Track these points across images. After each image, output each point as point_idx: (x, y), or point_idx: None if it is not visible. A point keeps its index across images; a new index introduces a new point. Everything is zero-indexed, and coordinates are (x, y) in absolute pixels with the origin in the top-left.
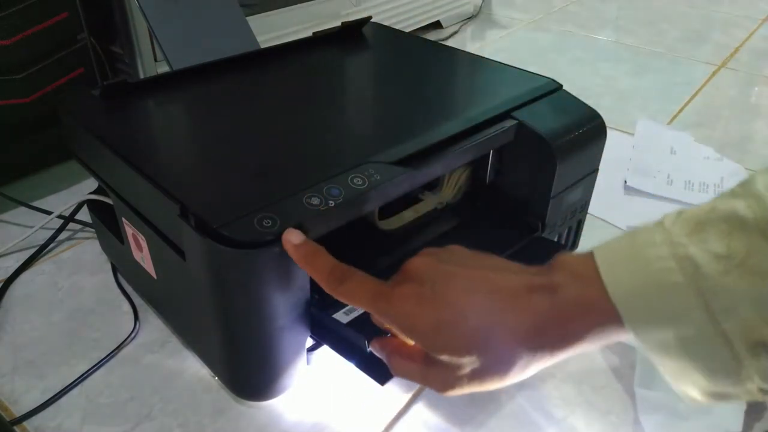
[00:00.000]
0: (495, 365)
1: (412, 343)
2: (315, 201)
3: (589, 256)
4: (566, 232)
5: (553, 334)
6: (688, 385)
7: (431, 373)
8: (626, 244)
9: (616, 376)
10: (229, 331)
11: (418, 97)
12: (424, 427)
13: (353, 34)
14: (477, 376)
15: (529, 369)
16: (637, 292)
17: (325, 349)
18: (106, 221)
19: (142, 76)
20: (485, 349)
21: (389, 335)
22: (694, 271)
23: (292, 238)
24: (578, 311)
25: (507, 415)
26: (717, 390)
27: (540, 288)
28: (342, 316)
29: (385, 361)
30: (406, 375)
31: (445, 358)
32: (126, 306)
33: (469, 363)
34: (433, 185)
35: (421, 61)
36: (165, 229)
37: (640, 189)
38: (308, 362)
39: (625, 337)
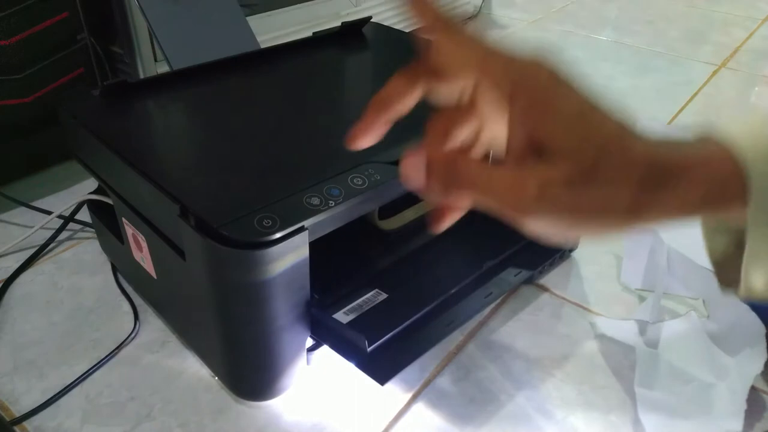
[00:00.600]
0: (601, 187)
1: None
2: (315, 201)
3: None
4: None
5: (669, 176)
6: (760, 268)
7: (531, 176)
8: (755, 119)
9: (616, 376)
10: (229, 331)
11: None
12: (424, 427)
13: (353, 34)
14: (577, 188)
15: (625, 215)
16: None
17: (325, 349)
18: (106, 221)
19: (142, 76)
20: (611, 158)
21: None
22: None
23: None
24: (701, 159)
25: (507, 415)
26: None
27: (659, 137)
28: (342, 316)
29: (443, 174)
30: (490, 182)
31: (566, 147)
32: (126, 306)
33: (581, 166)
34: None
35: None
36: (165, 229)
37: None
38: (308, 362)
39: (734, 204)
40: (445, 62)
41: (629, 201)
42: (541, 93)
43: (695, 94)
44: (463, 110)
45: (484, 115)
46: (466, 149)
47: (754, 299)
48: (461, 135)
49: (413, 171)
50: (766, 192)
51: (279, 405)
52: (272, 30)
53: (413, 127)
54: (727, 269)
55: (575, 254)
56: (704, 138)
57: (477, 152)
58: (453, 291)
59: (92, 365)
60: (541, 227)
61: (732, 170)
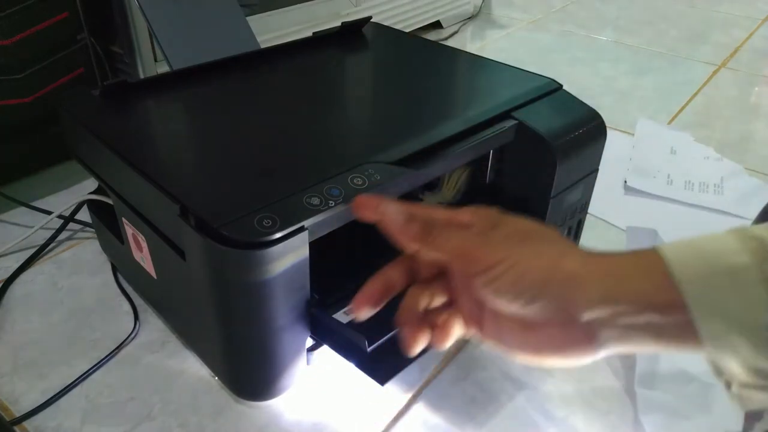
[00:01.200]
0: (549, 324)
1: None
2: (315, 201)
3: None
4: (566, 232)
5: (604, 288)
6: (730, 356)
7: (486, 247)
8: (691, 240)
9: (616, 376)
10: (229, 331)
11: (418, 97)
12: (424, 427)
13: (353, 34)
14: (524, 336)
15: (583, 348)
16: (698, 269)
17: (325, 349)
18: (106, 221)
19: (142, 76)
20: (546, 306)
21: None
22: (758, 245)
23: (366, 199)
24: (632, 269)
25: (507, 415)
26: (762, 366)
27: (595, 254)
28: (342, 316)
29: (420, 234)
30: (455, 242)
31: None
32: (126, 306)
33: (523, 326)
34: (433, 185)
35: (421, 61)
36: (165, 229)
37: (640, 189)
38: (308, 362)
39: (671, 298)
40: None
41: (576, 335)
42: (469, 268)
43: (695, 94)
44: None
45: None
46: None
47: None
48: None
49: (400, 231)
50: (707, 317)
51: (279, 405)
52: (272, 30)
53: (413, 126)
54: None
55: None
56: (640, 252)
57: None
58: None
59: (92, 365)
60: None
61: (670, 286)
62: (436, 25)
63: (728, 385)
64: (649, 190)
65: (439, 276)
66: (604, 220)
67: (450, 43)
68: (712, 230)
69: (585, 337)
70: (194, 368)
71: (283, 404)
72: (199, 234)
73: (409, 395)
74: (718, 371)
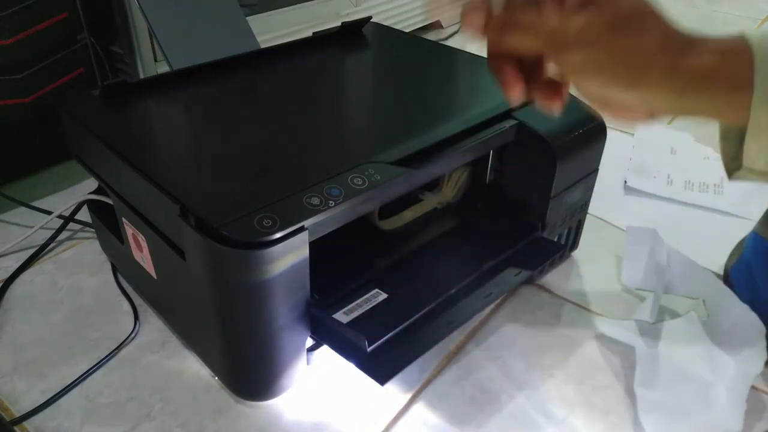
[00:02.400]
0: (633, 38)
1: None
2: (315, 201)
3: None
4: (566, 232)
5: (688, 47)
6: (760, 144)
7: (566, 19)
8: None
9: (616, 376)
10: (229, 331)
11: (418, 97)
12: (424, 427)
13: (353, 34)
14: (612, 28)
15: (648, 82)
16: None
17: (325, 349)
18: (106, 221)
19: (142, 76)
20: (642, 12)
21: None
22: None
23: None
24: (716, 43)
25: (507, 415)
26: None
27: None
28: (342, 316)
29: (506, 12)
30: (532, 24)
31: (604, 2)
32: (126, 306)
33: (616, 17)
34: (433, 185)
35: (421, 61)
36: (165, 229)
37: (640, 189)
38: (308, 362)
39: (741, 85)
40: None
41: (657, 52)
42: None
43: None
44: None
45: None
46: None
47: (754, 175)
48: None
49: (474, 19)
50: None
51: (279, 405)
52: (272, 30)
53: (413, 126)
54: (735, 162)
55: (575, 254)
56: (729, 36)
57: None
58: (453, 291)
59: (92, 365)
60: (579, 69)
61: (747, 57)
62: (436, 25)
63: (730, 168)
64: (649, 190)
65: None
66: (604, 220)
67: (450, 43)
68: (712, 231)
69: (661, 56)
70: (194, 368)
71: (283, 404)
72: (199, 234)
73: (409, 395)
74: (733, 155)
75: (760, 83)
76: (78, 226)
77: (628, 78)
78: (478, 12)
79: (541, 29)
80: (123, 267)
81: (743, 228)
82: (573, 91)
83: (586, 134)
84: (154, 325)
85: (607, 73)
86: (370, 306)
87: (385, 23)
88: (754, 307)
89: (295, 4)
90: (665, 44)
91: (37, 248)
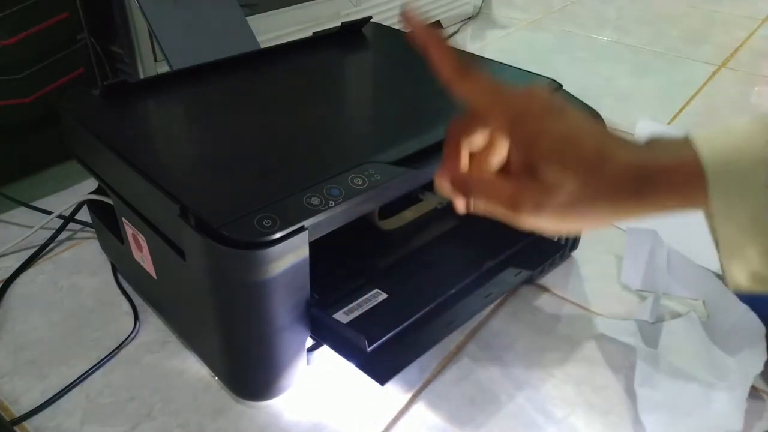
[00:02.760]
0: (590, 199)
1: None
2: (315, 201)
3: (684, 135)
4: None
5: (646, 182)
6: (739, 263)
7: (522, 193)
8: (723, 127)
9: (616, 376)
10: (229, 331)
11: (418, 97)
12: (424, 427)
13: (353, 34)
14: (567, 205)
15: (610, 215)
16: (725, 159)
17: (325, 349)
18: (106, 221)
19: (142, 76)
20: (594, 176)
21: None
22: None
23: (412, 14)
24: (671, 167)
25: (507, 415)
26: (764, 273)
27: (640, 145)
28: (342, 316)
29: (459, 187)
30: (490, 195)
31: (553, 173)
32: (126, 306)
33: (570, 186)
34: (433, 185)
35: (421, 61)
36: (165, 229)
37: None
38: (308, 362)
39: (700, 203)
40: (473, 109)
41: (610, 208)
42: (531, 125)
43: (695, 94)
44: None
45: (495, 142)
46: (481, 163)
47: (746, 292)
48: (466, 156)
49: (442, 185)
50: (720, 184)
51: (279, 405)
52: (272, 30)
53: (413, 126)
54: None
55: (575, 254)
56: (677, 142)
57: (492, 166)
58: (453, 291)
59: (92, 365)
60: (536, 227)
61: (699, 175)
62: (436, 25)
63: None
64: None
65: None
66: None
67: (450, 43)
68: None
69: (613, 209)
70: (194, 368)
71: (283, 404)
72: (199, 234)
73: (409, 395)
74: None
75: (718, 202)
76: (78, 226)
77: (582, 227)
78: (451, 167)
79: (500, 198)
80: (123, 267)
81: None
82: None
83: None
84: (154, 325)
85: (562, 227)
86: (370, 306)
87: (385, 23)
88: (754, 307)
89: (295, 4)
90: (619, 195)
91: (37, 248)
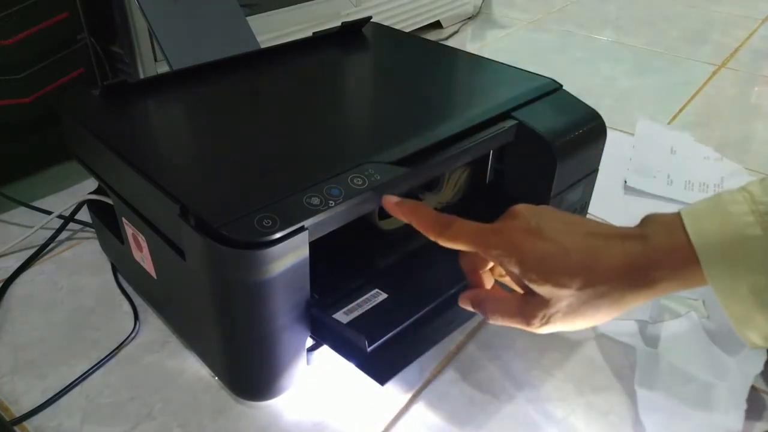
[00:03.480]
0: (589, 301)
1: (492, 284)
2: (315, 201)
3: (676, 213)
4: None
5: (641, 275)
6: (751, 330)
7: (528, 309)
8: (710, 202)
9: (616, 376)
10: (229, 331)
11: (418, 97)
12: (424, 427)
13: (353, 34)
14: (572, 311)
15: (617, 307)
16: (717, 242)
17: (325, 349)
18: (106, 221)
19: (142, 76)
20: (583, 284)
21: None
22: None
23: (391, 198)
24: (665, 257)
25: (507, 415)
26: None
27: (632, 236)
28: (342, 316)
29: (478, 308)
30: (503, 319)
31: (545, 290)
32: (126, 306)
33: (566, 296)
34: (433, 185)
35: (421, 61)
36: (165, 229)
37: (640, 189)
38: (308, 362)
39: (702, 284)
40: (452, 243)
41: (614, 304)
42: (512, 256)
43: (695, 94)
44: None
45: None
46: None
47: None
48: (486, 277)
49: (465, 305)
50: (716, 270)
51: (279, 405)
52: (272, 30)
53: (413, 126)
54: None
55: None
56: (669, 223)
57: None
58: (453, 291)
59: (92, 365)
60: (552, 332)
61: (690, 253)
62: (436, 25)
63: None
64: (649, 190)
65: None
66: (604, 220)
67: (450, 43)
68: None
69: (615, 306)
70: (194, 368)
71: (283, 404)
72: (199, 234)
73: (409, 395)
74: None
75: (718, 285)
76: (78, 226)
77: (591, 320)
78: (470, 291)
79: (511, 315)
80: (123, 267)
81: None
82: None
83: (586, 134)
84: (154, 325)
85: (573, 325)
86: (370, 306)
87: (385, 23)
88: None
89: (295, 4)
90: (617, 295)
91: (37, 248)
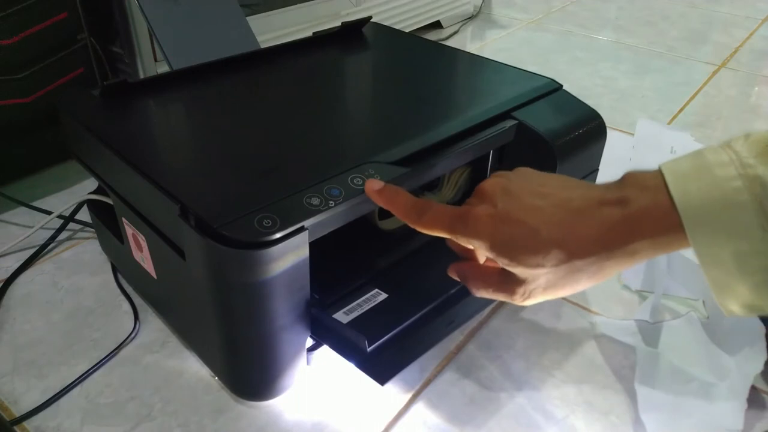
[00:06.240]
0: (567, 275)
1: (484, 260)
2: (315, 201)
3: (657, 172)
4: None
5: (621, 243)
6: (730, 297)
7: (509, 285)
8: (694, 162)
9: (616, 376)
10: (229, 331)
11: (418, 97)
12: (424, 427)
13: (353, 34)
14: (551, 285)
15: (598, 277)
16: (702, 206)
17: (325, 349)
18: (106, 221)
19: (142, 76)
20: (557, 261)
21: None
22: (761, 191)
23: (374, 185)
24: (646, 221)
25: (507, 415)
26: (757, 303)
27: (610, 202)
28: (342, 316)
29: (463, 281)
30: (486, 292)
31: (519, 271)
32: (126, 306)
33: (542, 274)
34: (433, 185)
35: (421, 61)
36: (165, 229)
37: None
38: (308, 362)
39: (684, 247)
40: (427, 229)
41: (593, 277)
42: (482, 239)
43: (695, 94)
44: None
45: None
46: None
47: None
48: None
49: (453, 275)
50: (700, 235)
51: (279, 405)
52: (272, 30)
53: (413, 126)
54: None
55: None
56: (651, 182)
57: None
58: (453, 291)
59: (92, 365)
60: (537, 302)
61: (673, 216)
62: (436, 25)
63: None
64: None
65: None
66: None
67: (450, 43)
68: None
69: (596, 272)
70: (194, 368)
71: (283, 404)
72: (199, 234)
73: (409, 395)
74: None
75: (701, 250)
76: (78, 226)
77: (574, 288)
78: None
79: (495, 288)
80: (123, 267)
81: None
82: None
83: (586, 134)
84: (154, 325)
85: (558, 294)
86: (370, 306)
87: (385, 23)
88: None
89: (295, 4)
90: (597, 261)
91: (37, 248)
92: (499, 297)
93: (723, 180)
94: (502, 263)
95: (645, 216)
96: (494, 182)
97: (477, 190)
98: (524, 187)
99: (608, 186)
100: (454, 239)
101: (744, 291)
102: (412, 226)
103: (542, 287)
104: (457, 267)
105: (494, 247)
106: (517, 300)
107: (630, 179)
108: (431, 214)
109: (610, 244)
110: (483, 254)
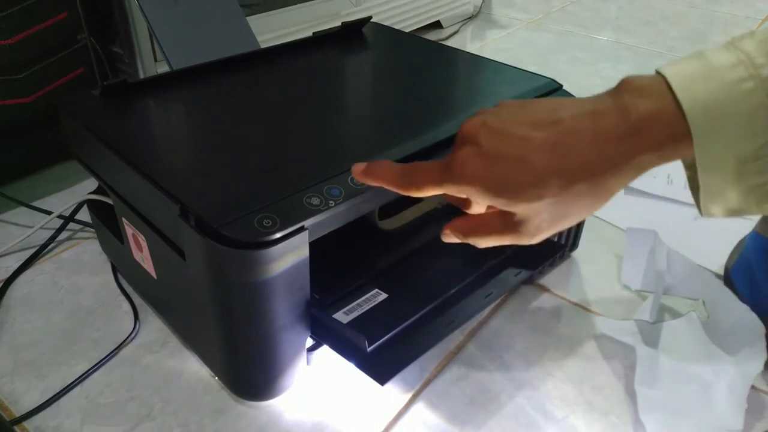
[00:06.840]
0: (572, 201)
1: (482, 210)
2: (315, 201)
3: (657, 76)
4: (566, 232)
5: (624, 156)
6: (718, 203)
7: (513, 228)
8: (699, 64)
9: (616, 376)
10: (229, 331)
11: (419, 97)
12: (424, 427)
13: (353, 34)
14: (557, 216)
15: (603, 197)
16: (712, 109)
17: (325, 349)
18: (106, 221)
19: (142, 76)
20: (558, 189)
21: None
22: None
23: (358, 168)
24: (651, 129)
25: (507, 415)
26: (741, 208)
27: (606, 112)
28: (342, 316)
29: (464, 239)
30: (491, 240)
31: (520, 209)
32: (126, 306)
33: (545, 206)
34: None
35: (421, 61)
36: (165, 229)
37: (640, 189)
38: (308, 362)
39: (687, 156)
40: (421, 194)
41: (600, 198)
42: (476, 187)
43: None
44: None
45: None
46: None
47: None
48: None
49: (450, 239)
50: (706, 141)
51: (279, 405)
52: (272, 30)
53: (413, 126)
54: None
55: (575, 254)
56: (655, 89)
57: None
58: (453, 291)
59: (92, 365)
60: (545, 238)
61: (680, 123)
62: (436, 25)
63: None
64: (649, 189)
65: None
66: (604, 220)
67: (450, 43)
68: (712, 230)
69: (598, 197)
70: (194, 368)
71: (283, 404)
72: (199, 234)
73: (409, 395)
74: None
75: (704, 156)
76: (78, 226)
77: (581, 215)
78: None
79: (499, 234)
80: (123, 267)
81: (743, 228)
82: None
83: None
84: (154, 325)
85: (565, 225)
86: (370, 306)
87: (385, 23)
88: (754, 307)
89: (295, 4)
90: (596, 185)
91: (37, 248)
92: (506, 241)
93: (733, 82)
94: (500, 204)
95: (649, 123)
96: (474, 120)
97: (459, 134)
98: (507, 119)
99: (599, 97)
100: (447, 193)
101: (734, 196)
102: (406, 194)
103: (548, 220)
104: (451, 225)
105: (488, 189)
106: (525, 239)
107: (625, 86)
108: (420, 175)
109: (612, 160)
110: (480, 202)
